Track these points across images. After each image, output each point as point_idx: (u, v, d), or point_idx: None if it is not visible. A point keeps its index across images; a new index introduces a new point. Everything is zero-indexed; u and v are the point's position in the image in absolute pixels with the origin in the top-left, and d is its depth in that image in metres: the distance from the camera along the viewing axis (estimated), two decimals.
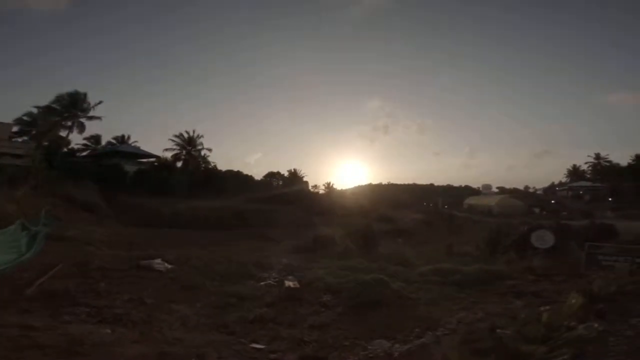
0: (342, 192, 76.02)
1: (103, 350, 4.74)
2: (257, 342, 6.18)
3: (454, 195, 79.64)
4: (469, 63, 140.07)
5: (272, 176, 68.52)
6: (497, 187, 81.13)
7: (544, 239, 12.87)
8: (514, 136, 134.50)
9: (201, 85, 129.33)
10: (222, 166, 54.63)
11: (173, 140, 49.39)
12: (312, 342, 6.27)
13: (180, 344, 5.66)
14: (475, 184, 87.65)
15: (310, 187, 73.20)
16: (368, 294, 8.35)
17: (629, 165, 63.67)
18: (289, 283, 9.46)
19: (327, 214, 40.77)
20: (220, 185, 43.06)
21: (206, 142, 51.59)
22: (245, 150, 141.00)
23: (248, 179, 55.55)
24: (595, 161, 72.74)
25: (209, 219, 25.36)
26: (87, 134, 44.76)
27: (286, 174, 69.25)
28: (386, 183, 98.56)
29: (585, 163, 75.11)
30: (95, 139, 49.05)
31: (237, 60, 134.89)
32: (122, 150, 47.29)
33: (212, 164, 52.61)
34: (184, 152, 49.87)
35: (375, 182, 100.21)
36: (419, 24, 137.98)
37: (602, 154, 72.09)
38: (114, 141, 51.50)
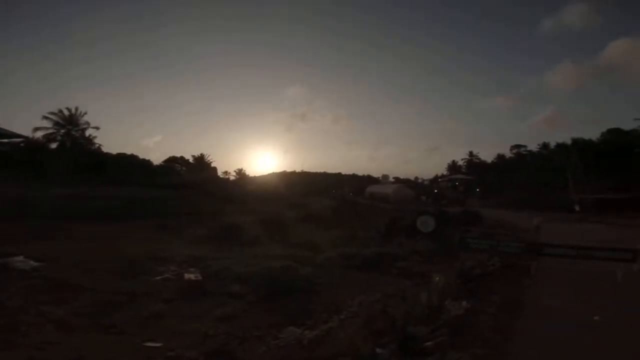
0: (254, 179, 74.57)
1: None
2: (153, 341, 5.63)
3: (358, 183, 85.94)
4: (380, 62, 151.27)
5: (174, 161, 63.00)
6: (394, 177, 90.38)
7: (426, 223, 14.67)
8: (411, 133, 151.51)
9: (91, 58, 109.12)
10: (114, 149, 47.74)
11: (48, 118, 40.75)
12: (219, 335, 5.98)
13: (54, 348, 4.98)
14: (376, 174, 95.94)
15: (219, 174, 69.81)
16: (278, 281, 8.37)
17: (493, 162, 78.56)
18: (189, 276, 8.87)
19: (237, 202, 39.34)
20: (110, 170, 37.56)
21: (96, 121, 44.21)
22: (144, 132, 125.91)
23: (145, 163, 49.76)
24: (469, 158, 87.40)
25: (93, 208, 21.72)
26: None
27: (191, 159, 64.57)
28: (299, 171, 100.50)
29: (462, 159, 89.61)
30: None
31: (137, 33, 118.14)
32: None
33: (98, 146, 45.40)
34: (62, 132, 41.71)
35: (289, 169, 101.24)
36: (343, 15, 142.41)
37: (475, 152, 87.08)
38: None
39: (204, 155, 65.64)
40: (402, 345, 3.81)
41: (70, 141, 42.02)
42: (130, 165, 43.33)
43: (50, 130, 41.00)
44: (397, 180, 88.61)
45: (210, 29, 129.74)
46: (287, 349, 5.24)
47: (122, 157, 46.63)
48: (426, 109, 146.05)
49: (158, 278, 9.51)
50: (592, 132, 69.71)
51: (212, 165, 67.26)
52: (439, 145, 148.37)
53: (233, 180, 67.29)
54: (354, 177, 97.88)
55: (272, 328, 6.24)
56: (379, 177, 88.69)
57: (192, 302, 7.69)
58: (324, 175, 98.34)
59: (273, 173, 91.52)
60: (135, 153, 52.80)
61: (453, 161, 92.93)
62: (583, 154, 46.67)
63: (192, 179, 45.97)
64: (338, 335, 4.43)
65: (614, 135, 49.00)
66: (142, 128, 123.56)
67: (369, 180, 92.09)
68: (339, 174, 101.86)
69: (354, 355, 3.66)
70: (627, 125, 47.87)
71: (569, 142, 52.11)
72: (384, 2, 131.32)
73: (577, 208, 36.51)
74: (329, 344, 4.90)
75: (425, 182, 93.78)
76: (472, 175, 79.71)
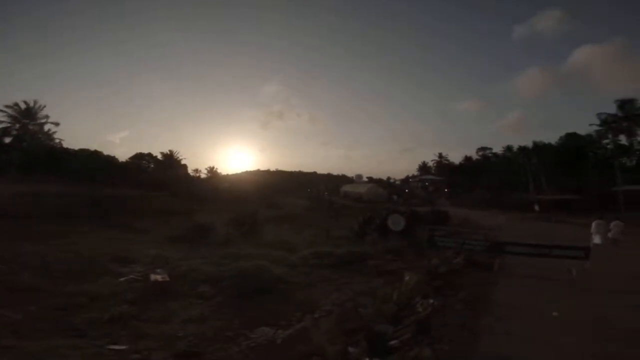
0: (227, 177, 73.11)
1: None
2: (116, 343, 5.40)
3: (333, 183, 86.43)
4: (357, 64, 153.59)
5: (141, 158, 60.55)
6: (367, 177, 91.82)
7: (397, 222, 14.98)
8: (385, 134, 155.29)
9: (54, 50, 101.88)
10: (78, 145, 45.32)
11: (3, 111, 37.99)
12: (188, 337, 5.82)
13: (10, 353, 4.73)
14: (351, 173, 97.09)
15: (190, 172, 67.87)
16: (249, 281, 8.26)
17: (460, 164, 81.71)
18: (156, 277, 8.55)
19: (209, 201, 38.48)
20: (71, 167, 35.48)
21: (59, 116, 41.82)
22: (109, 127, 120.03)
23: (109, 160, 47.46)
24: (439, 159, 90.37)
25: (52, 207, 20.37)
26: None
27: (159, 155, 62.31)
28: (274, 170, 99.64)
29: (432, 160, 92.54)
30: None
31: (102, 24, 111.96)
32: None
33: (59, 141, 42.78)
34: (18, 126, 39.00)
35: (263, 168, 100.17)
36: (321, 15, 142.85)
37: (444, 153, 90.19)
38: None
39: (173, 152, 63.58)
40: (370, 344, 3.88)
41: (28, 136, 39.47)
42: (94, 162, 41.17)
43: (5, 124, 38.34)
44: (371, 180, 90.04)
45: (183, 22, 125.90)
46: (260, 349, 5.18)
47: (84, 153, 44.23)
48: (400, 111, 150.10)
49: (122, 279, 9.11)
50: (555, 136, 73.75)
51: (182, 162, 65.34)
52: (411, 146, 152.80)
53: (204, 179, 65.55)
54: (329, 177, 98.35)
55: (244, 328, 6.15)
56: (352, 177, 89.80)
57: (158, 303, 7.42)
58: (299, 174, 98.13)
59: (247, 171, 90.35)
60: (99, 149, 50.45)
61: (423, 162, 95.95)
62: (542, 157, 49.62)
63: (161, 177, 44.37)
64: (312, 335, 4.44)
65: (571, 140, 52.51)
66: (108, 123, 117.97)
67: (343, 179, 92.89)
68: (315, 173, 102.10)
69: (326, 354, 3.69)
70: (584, 130, 51.05)
71: (530, 145, 55.17)
72: (361, 6, 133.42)
73: (536, 208, 38.73)
74: (303, 344, 4.91)
75: (397, 182, 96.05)
76: (441, 176, 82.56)
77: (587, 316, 6.21)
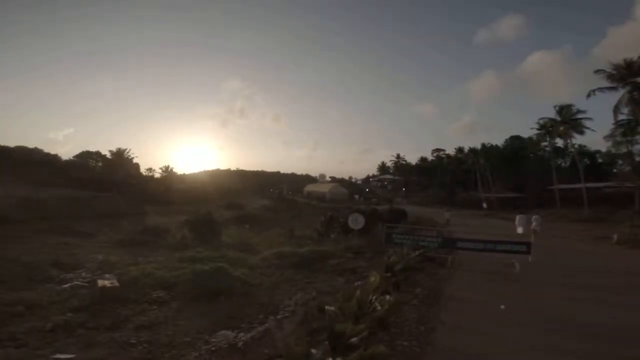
0: (183, 177, 70.09)
1: None
2: (62, 353, 5.03)
3: (297, 182, 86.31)
4: (323, 63, 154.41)
5: (87, 156, 56.16)
6: (330, 177, 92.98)
7: (357, 221, 15.34)
8: (347, 135, 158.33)
9: None
10: (12, 142, 40.87)
11: None
12: (142, 344, 5.49)
13: None
14: (314, 173, 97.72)
15: (142, 171, 64.05)
16: (207, 284, 8.00)
17: (417, 164, 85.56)
18: (104, 282, 7.94)
19: (163, 202, 36.68)
20: (5, 166, 31.93)
21: None
22: (52, 123, 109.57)
23: (50, 158, 43.37)
24: (397, 160, 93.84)
25: None
26: None
27: (108, 154, 58.10)
28: (235, 169, 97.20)
29: (390, 161, 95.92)
30: None
31: (47, 9, 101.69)
32: None
33: None
34: None
35: (223, 167, 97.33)
36: (285, 12, 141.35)
37: (401, 154, 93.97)
38: None
39: (123, 150, 59.56)
40: (331, 343, 3.92)
41: None
42: (32, 161, 37.36)
43: None
44: (333, 179, 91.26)
45: (135, 10, 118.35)
46: (220, 353, 5.04)
47: (21, 151, 39.96)
48: (362, 112, 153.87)
49: (66, 286, 8.39)
50: (504, 138, 79.08)
51: (134, 161, 61.49)
52: (372, 147, 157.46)
53: (158, 179, 62.16)
54: (292, 176, 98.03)
55: (203, 333, 5.94)
56: (316, 177, 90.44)
57: (107, 310, 6.93)
58: (262, 174, 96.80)
59: (206, 171, 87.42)
60: (40, 147, 45.98)
61: (383, 162, 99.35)
62: (489, 158, 53.45)
63: (110, 177, 41.47)
64: (275, 336, 4.39)
65: (515, 142, 57.09)
66: (51, 119, 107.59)
67: (307, 179, 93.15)
68: (278, 172, 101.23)
69: (289, 355, 3.66)
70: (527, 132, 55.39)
71: (479, 147, 59.10)
72: (326, 7, 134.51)
73: (484, 205, 41.58)
74: (266, 346, 4.84)
75: (359, 182, 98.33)
76: (399, 176, 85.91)
77: (530, 308, 6.81)
